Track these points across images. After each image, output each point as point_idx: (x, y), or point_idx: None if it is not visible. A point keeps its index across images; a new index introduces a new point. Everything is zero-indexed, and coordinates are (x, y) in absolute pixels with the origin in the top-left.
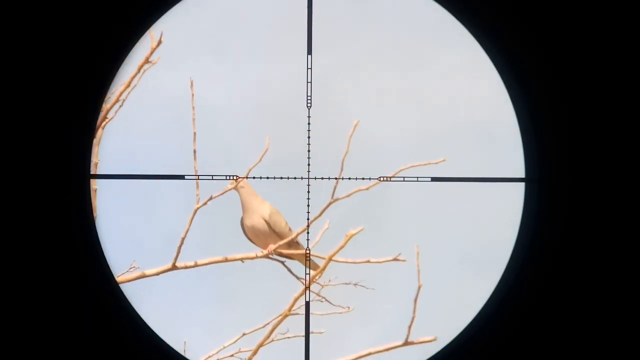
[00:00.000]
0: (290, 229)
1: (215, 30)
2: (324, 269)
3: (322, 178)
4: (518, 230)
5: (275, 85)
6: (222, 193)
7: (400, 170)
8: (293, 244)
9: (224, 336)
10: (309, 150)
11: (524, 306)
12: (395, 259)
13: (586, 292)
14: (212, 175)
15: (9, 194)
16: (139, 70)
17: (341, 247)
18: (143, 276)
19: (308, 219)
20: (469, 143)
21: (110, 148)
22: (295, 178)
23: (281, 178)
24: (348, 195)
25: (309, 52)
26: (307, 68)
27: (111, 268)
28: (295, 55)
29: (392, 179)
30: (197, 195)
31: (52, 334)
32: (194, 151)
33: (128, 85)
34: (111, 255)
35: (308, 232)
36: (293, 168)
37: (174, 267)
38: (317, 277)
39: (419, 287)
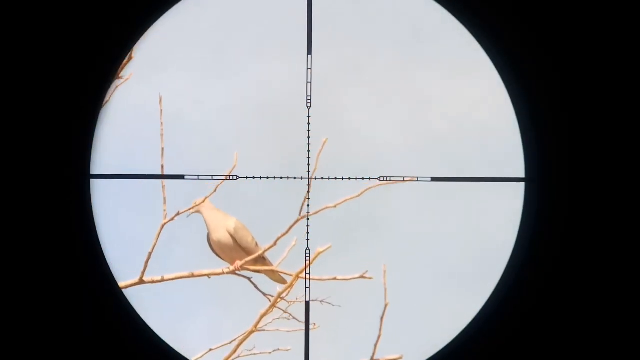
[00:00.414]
0: (257, 244)
1: (216, 30)
2: (291, 285)
3: (322, 178)
4: (518, 230)
5: (275, 85)
6: (188, 210)
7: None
8: (260, 259)
9: (189, 352)
10: (309, 151)
11: (524, 306)
12: (362, 277)
13: (586, 292)
14: (212, 175)
15: (9, 194)
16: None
17: (309, 264)
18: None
19: (308, 219)
20: (469, 143)
21: (113, 149)
22: (295, 178)
23: (281, 178)
24: (316, 213)
25: (309, 52)
26: (307, 68)
27: (111, 268)
28: (295, 55)
29: (392, 179)
30: (164, 210)
31: (53, 334)
32: (162, 166)
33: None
34: (111, 256)
35: (274, 245)
36: (293, 168)
37: (141, 282)
38: (284, 294)
39: (386, 305)
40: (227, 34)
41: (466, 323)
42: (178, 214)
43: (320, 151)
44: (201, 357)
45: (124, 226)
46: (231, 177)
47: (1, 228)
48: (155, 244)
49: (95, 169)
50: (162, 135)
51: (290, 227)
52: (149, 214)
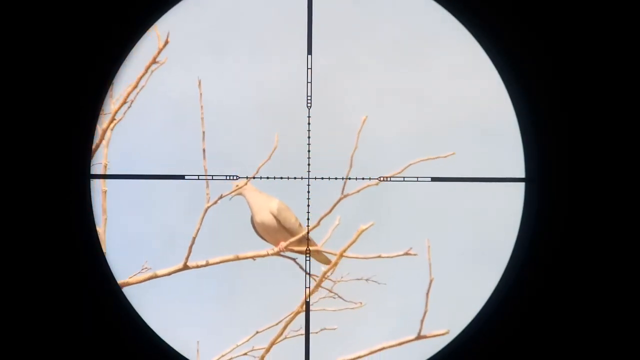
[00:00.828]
0: (300, 225)
1: (215, 30)
2: (335, 265)
3: (322, 178)
4: (518, 230)
5: (275, 85)
6: (229, 193)
7: (408, 166)
8: (304, 240)
9: (235, 335)
10: (309, 151)
11: (524, 306)
12: (406, 254)
13: (586, 292)
14: (212, 176)
15: (9, 194)
16: (146, 71)
17: (352, 243)
18: (154, 276)
19: (308, 219)
20: (469, 143)
21: (120, 149)
22: (295, 178)
23: (281, 178)
24: (358, 191)
25: (309, 52)
26: (307, 68)
27: (111, 268)
28: (295, 55)
29: (392, 178)
30: (207, 194)
31: (53, 334)
32: (204, 150)
33: (135, 87)
34: (111, 256)
35: (308, 230)
36: (293, 168)
37: (186, 267)
38: (329, 273)
39: (431, 281)
40: (227, 33)
41: (466, 323)
42: (221, 197)
43: (360, 130)
44: (248, 340)
45: (124, 226)
46: (231, 177)
47: (1, 228)
48: (199, 228)
49: (104, 170)
50: (202, 119)
51: (333, 207)
52: (149, 213)
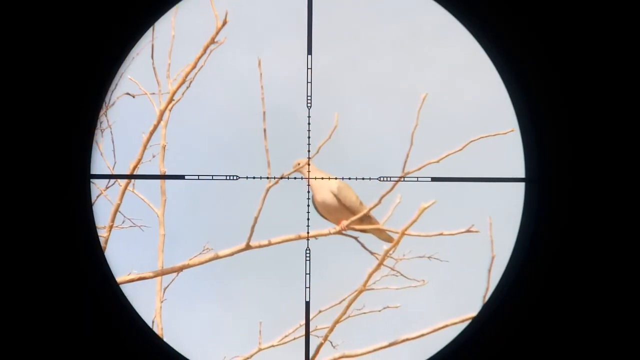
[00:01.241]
0: (361, 203)
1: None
2: (397, 243)
3: (322, 178)
4: (518, 230)
5: (275, 85)
6: (290, 173)
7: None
8: (366, 218)
9: (298, 315)
10: (309, 151)
11: (524, 306)
12: (468, 231)
13: (586, 292)
14: (213, 176)
15: (9, 194)
16: (204, 51)
17: (414, 221)
18: (216, 257)
19: (308, 219)
20: (469, 143)
21: (178, 130)
22: (295, 178)
23: (281, 178)
24: (419, 169)
25: (309, 52)
26: (307, 68)
27: (111, 268)
28: (295, 55)
29: (392, 179)
30: (268, 172)
31: (53, 334)
32: (264, 130)
33: (194, 67)
34: (112, 256)
35: (369, 208)
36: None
37: (248, 247)
38: (391, 252)
39: (493, 258)
40: (227, 33)
41: (466, 323)
42: (282, 177)
43: (420, 108)
44: (312, 319)
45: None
46: (231, 177)
47: (1, 228)
48: (260, 208)
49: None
50: (262, 99)
51: (394, 186)
52: (148, 213)
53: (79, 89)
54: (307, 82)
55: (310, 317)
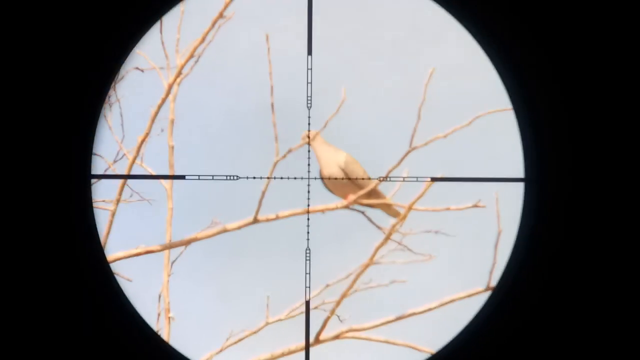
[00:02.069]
0: (369, 178)
1: (215, 30)
2: (404, 217)
3: (322, 178)
4: (518, 230)
5: (275, 85)
6: (298, 147)
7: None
8: (373, 193)
9: (304, 289)
10: (309, 150)
11: (523, 306)
12: (475, 206)
13: (586, 292)
14: (213, 176)
15: (9, 194)
16: (213, 25)
17: (421, 195)
18: (224, 230)
19: (308, 219)
20: (469, 143)
21: (185, 105)
22: (295, 178)
23: (281, 178)
24: (426, 144)
25: (309, 52)
26: (307, 68)
27: (111, 268)
28: (295, 55)
29: (392, 179)
30: (276, 148)
31: (52, 334)
32: (272, 104)
33: (202, 41)
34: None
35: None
36: (293, 168)
37: (256, 221)
38: (398, 226)
39: (499, 233)
40: (227, 33)
41: (465, 323)
42: (290, 150)
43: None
44: (318, 293)
45: (124, 226)
46: (231, 177)
47: (1, 228)
48: (268, 183)
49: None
50: (270, 74)
51: (402, 160)
52: (149, 213)
53: (79, 88)
54: (307, 83)
55: (318, 292)
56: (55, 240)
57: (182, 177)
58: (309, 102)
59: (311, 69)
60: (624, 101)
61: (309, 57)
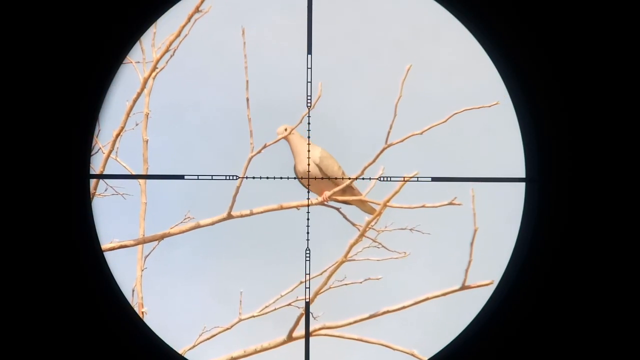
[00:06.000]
0: (343, 173)
1: (215, 30)
2: (379, 214)
3: (322, 178)
4: (518, 230)
5: (274, 84)
6: (275, 142)
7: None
8: (348, 189)
9: (280, 285)
10: (309, 150)
11: (524, 306)
12: (451, 203)
13: (586, 292)
14: (212, 176)
15: (9, 194)
16: (189, 20)
17: (396, 192)
18: (197, 226)
19: (308, 219)
20: (469, 143)
21: (161, 100)
22: (295, 178)
23: (281, 178)
24: (402, 141)
25: (309, 52)
26: (307, 68)
27: (111, 269)
28: (295, 55)
29: (392, 179)
30: (251, 143)
31: (52, 334)
32: (247, 99)
33: (178, 35)
34: (111, 256)
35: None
36: (293, 168)
37: (230, 217)
38: (373, 223)
39: (475, 231)
40: (227, 33)
41: (466, 323)
42: (265, 146)
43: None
44: (292, 290)
45: (124, 225)
46: (231, 177)
47: (1, 228)
48: (243, 178)
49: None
50: (246, 68)
51: (377, 156)
52: (149, 213)
53: (79, 88)
54: (307, 82)
55: (292, 288)
56: (54, 240)
57: (182, 177)
58: (309, 101)
59: (311, 68)
60: (625, 101)
61: (309, 56)
